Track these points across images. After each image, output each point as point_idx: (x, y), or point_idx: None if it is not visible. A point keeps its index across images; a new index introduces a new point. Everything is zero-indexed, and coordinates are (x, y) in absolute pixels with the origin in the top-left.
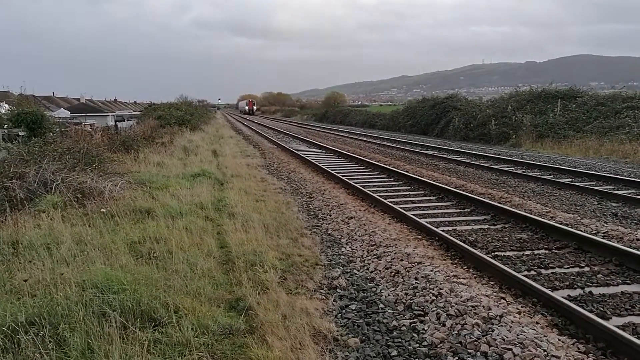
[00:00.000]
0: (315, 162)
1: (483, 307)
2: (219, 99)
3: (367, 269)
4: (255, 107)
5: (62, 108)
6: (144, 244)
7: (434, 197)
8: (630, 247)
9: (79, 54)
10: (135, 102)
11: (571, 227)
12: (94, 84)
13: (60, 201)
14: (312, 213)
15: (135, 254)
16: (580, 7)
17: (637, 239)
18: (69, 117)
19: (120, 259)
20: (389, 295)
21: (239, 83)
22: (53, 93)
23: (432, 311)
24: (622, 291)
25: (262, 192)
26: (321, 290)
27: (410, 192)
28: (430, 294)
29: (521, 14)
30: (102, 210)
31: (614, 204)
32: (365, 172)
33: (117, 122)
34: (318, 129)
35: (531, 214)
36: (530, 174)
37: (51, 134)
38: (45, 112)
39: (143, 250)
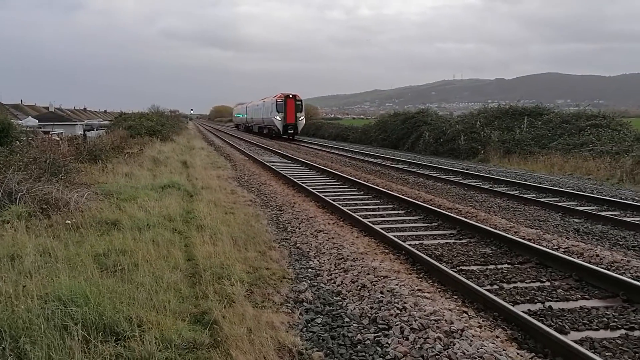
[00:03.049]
0: (286, 175)
1: (445, 321)
2: (192, 110)
3: (334, 282)
4: (302, 119)
5: (30, 117)
6: (110, 256)
7: (403, 211)
8: (590, 262)
9: (49, 62)
10: (105, 111)
11: (534, 243)
12: (64, 92)
13: (25, 212)
14: (281, 226)
15: (100, 267)
16: (540, 27)
17: (597, 255)
18: (37, 125)
19: (84, 271)
20: (354, 309)
21: (211, 94)
22: (21, 101)
23: (396, 325)
24: (580, 306)
25: (232, 204)
26: (287, 304)
27: (380, 206)
28: (395, 308)
29: (484, 32)
30: (68, 221)
31: (576, 220)
32: (335, 185)
33: (86, 132)
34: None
35: (496, 229)
36: (497, 189)
37: (18, 142)
38: (13, 121)
39: (108, 262)
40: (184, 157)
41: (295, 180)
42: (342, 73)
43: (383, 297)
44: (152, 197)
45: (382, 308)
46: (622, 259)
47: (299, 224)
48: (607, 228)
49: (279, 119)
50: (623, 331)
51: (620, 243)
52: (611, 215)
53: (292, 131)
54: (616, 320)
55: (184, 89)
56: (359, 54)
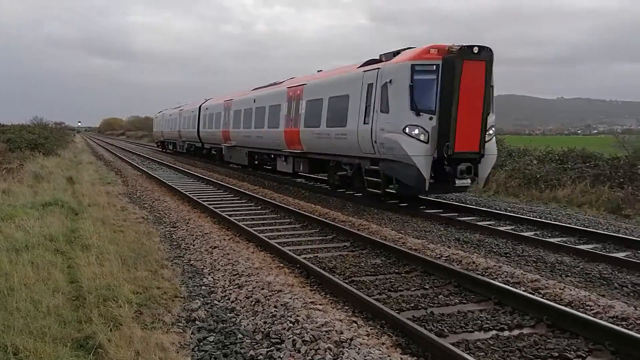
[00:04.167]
0: (182, 190)
1: (336, 331)
2: (79, 122)
3: (228, 299)
4: (492, 133)
5: None
6: None
7: (299, 225)
8: (467, 269)
9: None
10: None
11: (419, 253)
12: None
13: None
14: (174, 243)
15: None
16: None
17: (474, 262)
18: None
19: None
20: (248, 324)
21: (101, 106)
22: None
23: (289, 338)
24: (458, 310)
25: (122, 221)
26: (179, 324)
27: (277, 220)
28: (288, 322)
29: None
30: None
31: (457, 230)
32: (233, 200)
33: None
34: (188, 156)
35: (386, 240)
36: (388, 202)
37: None
38: None
39: None
40: (69, 173)
41: (190, 195)
42: (239, 87)
43: (277, 311)
44: (32, 215)
45: (275, 322)
46: (494, 265)
47: (194, 240)
48: (484, 237)
49: (423, 139)
50: (494, 332)
51: (494, 250)
52: (487, 224)
53: (469, 179)
54: (488, 322)
55: (71, 100)
56: (256, 68)
